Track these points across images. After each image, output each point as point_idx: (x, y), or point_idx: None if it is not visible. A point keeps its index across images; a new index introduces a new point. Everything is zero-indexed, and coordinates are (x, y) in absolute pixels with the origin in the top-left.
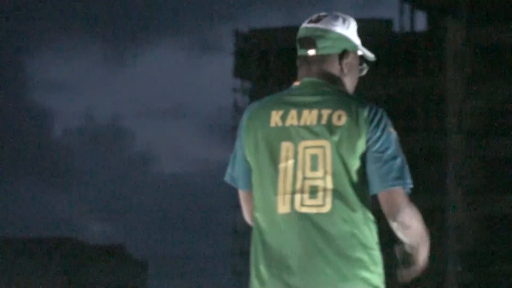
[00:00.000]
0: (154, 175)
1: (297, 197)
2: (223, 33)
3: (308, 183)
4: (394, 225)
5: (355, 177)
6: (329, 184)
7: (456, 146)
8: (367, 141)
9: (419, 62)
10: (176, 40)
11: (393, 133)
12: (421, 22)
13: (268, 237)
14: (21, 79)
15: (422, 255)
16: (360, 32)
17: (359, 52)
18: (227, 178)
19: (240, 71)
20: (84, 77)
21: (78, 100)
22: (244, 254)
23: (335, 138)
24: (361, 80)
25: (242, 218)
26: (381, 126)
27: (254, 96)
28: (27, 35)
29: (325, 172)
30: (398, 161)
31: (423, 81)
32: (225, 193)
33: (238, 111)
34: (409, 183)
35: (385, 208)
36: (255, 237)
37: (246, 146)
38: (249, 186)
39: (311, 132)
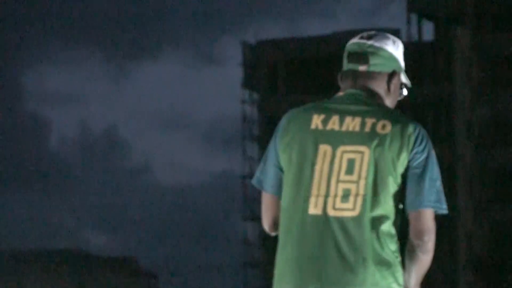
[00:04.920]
0: (158, 186)
1: (330, 200)
2: (227, 45)
3: (342, 186)
4: (416, 243)
5: (388, 187)
6: (362, 190)
7: (466, 155)
8: (410, 156)
9: (426, 71)
10: (179, 52)
11: (434, 154)
12: (428, 31)
13: (292, 237)
14: (18, 90)
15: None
16: None
17: (402, 76)
18: (254, 181)
19: (248, 83)
20: (83, 88)
21: (77, 111)
22: (255, 265)
23: (376, 145)
24: None
25: (252, 228)
26: (425, 144)
27: (262, 107)
28: (24, 45)
29: (359, 177)
30: (438, 183)
31: (431, 91)
32: (234, 203)
33: (246, 122)
34: (445, 208)
35: (414, 225)
36: (280, 238)
37: (281, 148)
38: (276, 190)
39: (352, 137)
